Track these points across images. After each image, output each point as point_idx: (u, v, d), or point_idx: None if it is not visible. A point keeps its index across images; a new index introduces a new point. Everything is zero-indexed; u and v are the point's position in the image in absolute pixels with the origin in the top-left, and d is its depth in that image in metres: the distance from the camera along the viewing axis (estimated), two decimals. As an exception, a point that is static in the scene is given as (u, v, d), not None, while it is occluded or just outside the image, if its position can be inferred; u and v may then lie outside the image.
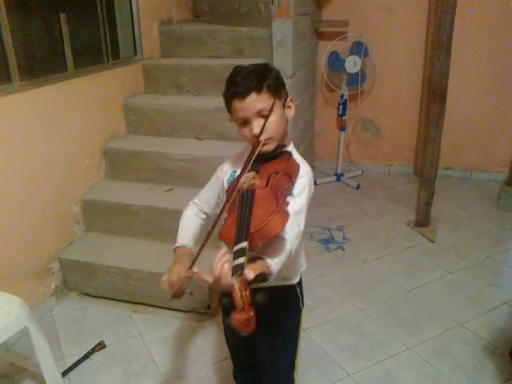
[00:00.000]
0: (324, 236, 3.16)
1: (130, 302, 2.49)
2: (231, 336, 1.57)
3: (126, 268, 2.43)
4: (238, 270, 0.92)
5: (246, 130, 1.22)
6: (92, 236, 2.73)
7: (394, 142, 4.19)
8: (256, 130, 1.18)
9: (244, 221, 1.02)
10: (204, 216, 1.43)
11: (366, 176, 4.20)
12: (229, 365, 1.69)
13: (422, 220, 3.24)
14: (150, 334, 2.29)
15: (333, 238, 3.14)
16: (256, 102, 1.17)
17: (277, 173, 1.14)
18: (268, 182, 1.13)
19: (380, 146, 4.24)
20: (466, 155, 4.06)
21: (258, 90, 1.17)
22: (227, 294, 0.93)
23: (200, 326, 2.33)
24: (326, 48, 3.80)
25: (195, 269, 1.14)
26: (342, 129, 4.02)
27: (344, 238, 3.15)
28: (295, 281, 1.42)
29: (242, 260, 0.94)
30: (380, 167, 4.28)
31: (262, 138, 1.19)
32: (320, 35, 3.99)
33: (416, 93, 3.97)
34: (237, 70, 1.23)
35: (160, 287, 2.40)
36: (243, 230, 1.00)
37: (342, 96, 3.86)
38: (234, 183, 1.19)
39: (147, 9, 3.21)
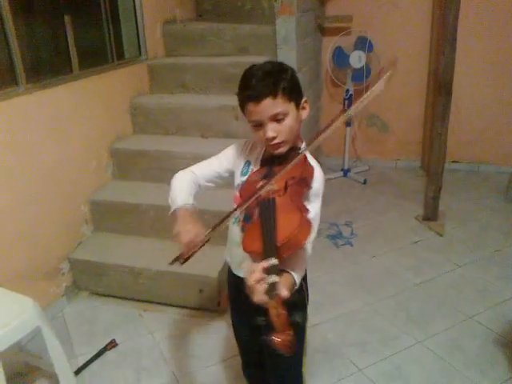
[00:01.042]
0: (332, 232, 3.16)
1: (140, 301, 2.51)
2: (240, 333, 1.57)
3: (135, 267, 2.44)
4: (272, 290, 0.91)
5: (259, 133, 1.19)
6: (101, 236, 2.74)
7: (400, 137, 4.18)
8: (270, 133, 1.16)
9: (269, 234, 1.00)
10: (198, 186, 1.39)
11: (373, 171, 4.19)
12: (238, 362, 1.70)
13: (430, 214, 3.23)
14: (160, 331, 2.31)
15: (341, 234, 3.13)
16: (271, 106, 1.14)
17: (293, 178, 1.12)
18: (286, 188, 1.11)
19: (386, 140, 4.23)
20: (472, 148, 4.04)
21: (274, 95, 1.14)
22: (262, 313, 0.93)
23: (210, 324, 2.34)
24: (330, 44, 3.79)
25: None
26: (348, 124, 4.02)
27: (352, 234, 3.14)
28: None
29: (275, 278, 0.93)
30: (387, 162, 4.27)
31: (276, 141, 1.18)
32: (324, 31, 3.98)
33: (422, 87, 3.95)
34: (252, 72, 1.18)
35: (169, 285, 2.41)
36: (270, 244, 0.98)
37: (348, 91, 3.85)
38: (251, 187, 1.16)
39: (151, 9, 3.22)
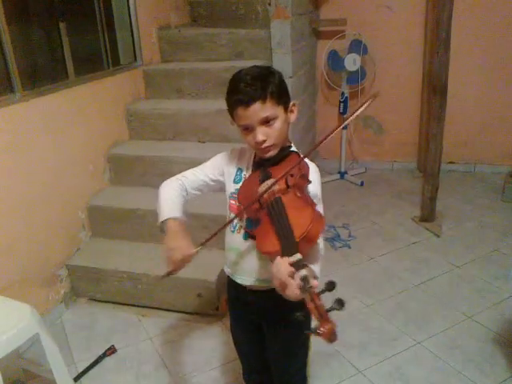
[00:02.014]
0: (329, 234, 3.16)
1: (139, 306, 2.51)
2: (241, 340, 1.57)
3: (133, 272, 2.44)
4: (306, 283, 0.93)
5: (249, 137, 1.20)
6: (99, 242, 2.74)
7: (396, 139, 4.19)
8: (260, 137, 1.17)
9: (285, 231, 1.02)
10: (186, 194, 1.38)
11: (370, 173, 4.20)
12: (238, 366, 1.70)
13: (427, 215, 3.24)
14: (160, 337, 2.31)
15: (338, 236, 3.14)
16: (260, 110, 1.15)
17: (292, 175, 1.14)
18: (288, 186, 1.12)
19: (382, 142, 4.24)
20: (468, 149, 4.05)
21: (263, 99, 1.15)
22: (299, 309, 0.94)
23: (209, 328, 2.34)
24: (325, 47, 3.81)
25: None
26: (344, 127, 4.02)
27: (350, 236, 3.15)
28: None
29: (304, 272, 0.95)
30: (383, 164, 4.28)
31: (266, 145, 1.19)
32: (319, 34, 4.00)
33: (417, 88, 3.97)
34: (240, 76, 1.20)
35: (168, 289, 2.42)
36: (289, 241, 1.00)
37: (343, 94, 3.87)
38: (250, 192, 1.18)
39: (145, 15, 3.23)
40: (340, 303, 0.94)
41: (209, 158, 1.47)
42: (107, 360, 2.17)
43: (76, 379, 2.03)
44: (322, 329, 0.88)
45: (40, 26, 2.50)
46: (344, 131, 4.03)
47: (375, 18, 3.83)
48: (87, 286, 2.58)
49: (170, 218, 1.26)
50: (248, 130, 1.19)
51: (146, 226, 2.64)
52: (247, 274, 1.32)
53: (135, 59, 3.22)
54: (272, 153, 1.22)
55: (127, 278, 2.46)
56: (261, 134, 1.17)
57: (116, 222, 2.71)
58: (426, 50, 3.80)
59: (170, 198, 1.32)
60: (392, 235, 3.14)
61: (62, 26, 2.53)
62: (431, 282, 2.61)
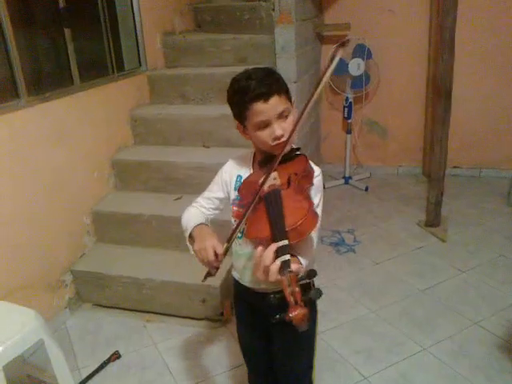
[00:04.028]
0: (334, 239, 3.15)
1: (143, 312, 2.50)
2: (247, 344, 1.56)
3: (138, 277, 2.44)
4: (286, 267, 0.95)
5: (264, 134, 1.19)
6: (103, 247, 2.74)
7: (401, 143, 4.18)
8: (279, 131, 1.18)
9: (278, 220, 1.03)
10: (205, 215, 1.39)
11: (375, 178, 4.18)
12: (242, 371, 1.70)
13: (433, 220, 3.22)
14: (164, 342, 2.30)
15: (343, 241, 3.13)
16: (278, 104, 1.17)
17: (296, 174, 1.16)
18: (289, 183, 1.14)
19: (387, 147, 4.23)
20: (474, 153, 4.03)
21: (279, 93, 1.18)
22: (275, 292, 0.96)
23: (213, 334, 2.33)
24: (328, 52, 3.81)
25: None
26: (348, 131, 4.02)
27: (355, 241, 3.13)
28: None
29: (287, 257, 0.96)
30: (388, 168, 4.27)
31: (283, 139, 1.19)
32: (322, 39, 4.01)
33: (421, 92, 3.96)
34: (247, 75, 1.21)
35: (172, 295, 2.41)
36: (280, 228, 1.01)
37: (347, 99, 3.86)
38: (253, 186, 1.19)
39: (150, 21, 3.24)
40: (318, 292, 0.94)
41: (213, 163, 1.46)
42: (111, 366, 2.17)
43: (80, 385, 2.03)
44: (292, 313, 0.89)
45: (45, 32, 2.52)
46: (348, 136, 4.02)
47: (379, 23, 3.83)
48: (92, 291, 2.57)
49: (195, 227, 1.27)
50: (264, 126, 1.19)
51: (150, 231, 2.64)
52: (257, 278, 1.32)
53: (140, 65, 3.23)
54: (286, 149, 1.22)
55: (132, 284, 2.45)
56: (279, 128, 1.18)
57: (121, 228, 2.71)
58: (430, 53, 3.80)
59: (191, 217, 1.34)
60: (397, 240, 3.13)
61: (67, 32, 2.54)
62: (437, 288, 2.59)
